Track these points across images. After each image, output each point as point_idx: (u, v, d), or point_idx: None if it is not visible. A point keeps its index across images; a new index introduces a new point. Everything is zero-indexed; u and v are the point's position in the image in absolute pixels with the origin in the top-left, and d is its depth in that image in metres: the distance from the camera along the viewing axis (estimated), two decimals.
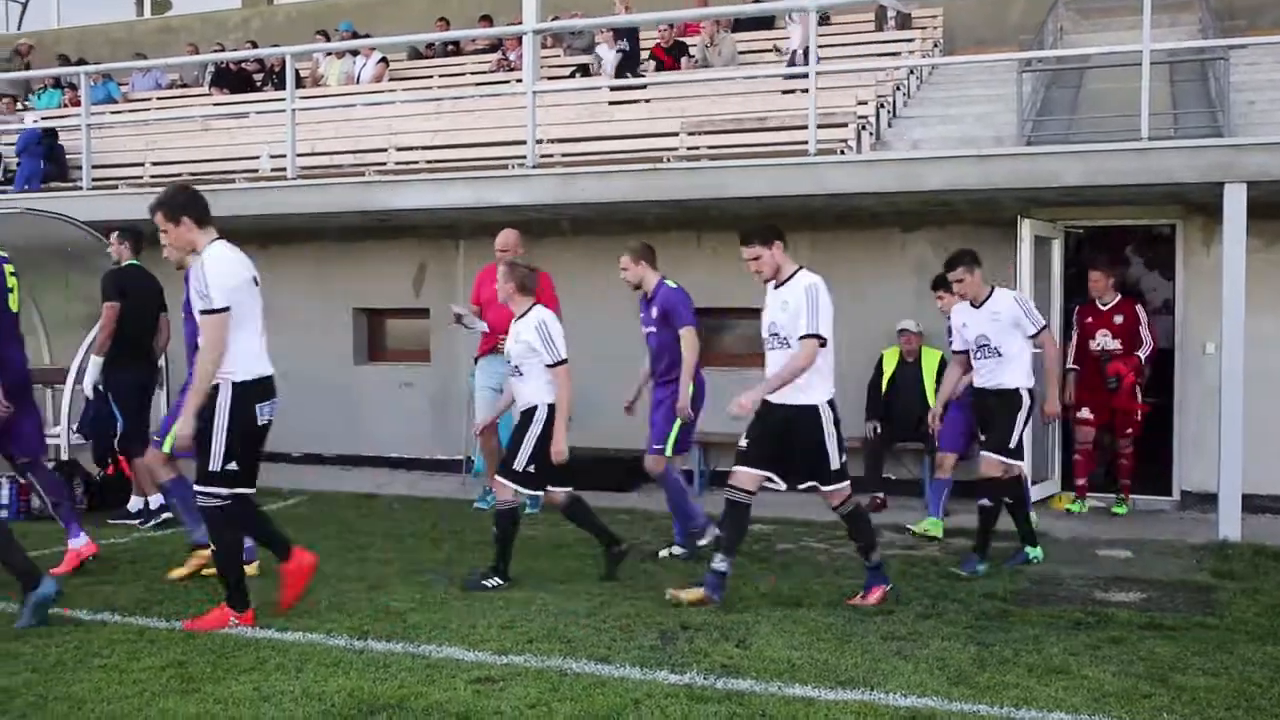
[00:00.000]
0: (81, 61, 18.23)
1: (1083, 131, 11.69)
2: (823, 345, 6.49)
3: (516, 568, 7.47)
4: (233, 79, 17.58)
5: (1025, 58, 11.75)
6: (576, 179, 10.76)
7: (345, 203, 11.49)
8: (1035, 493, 9.64)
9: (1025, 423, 7.68)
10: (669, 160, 11.62)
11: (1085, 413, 9.98)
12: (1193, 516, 9.70)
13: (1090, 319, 10.00)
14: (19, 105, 17.80)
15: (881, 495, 10.14)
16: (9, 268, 7.39)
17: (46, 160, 14.72)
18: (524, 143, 11.13)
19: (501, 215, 10.72)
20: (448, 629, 6.11)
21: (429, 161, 12.99)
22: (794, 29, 14.29)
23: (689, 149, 11.99)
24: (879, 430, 10.11)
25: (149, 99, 18.13)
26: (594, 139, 12.48)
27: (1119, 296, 10.05)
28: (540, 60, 14.34)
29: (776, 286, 6.73)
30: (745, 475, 6.60)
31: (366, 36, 17.18)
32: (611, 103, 13.70)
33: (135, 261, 9.25)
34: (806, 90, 10.47)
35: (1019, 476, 7.83)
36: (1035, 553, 7.86)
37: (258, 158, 13.54)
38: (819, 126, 10.36)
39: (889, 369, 10.35)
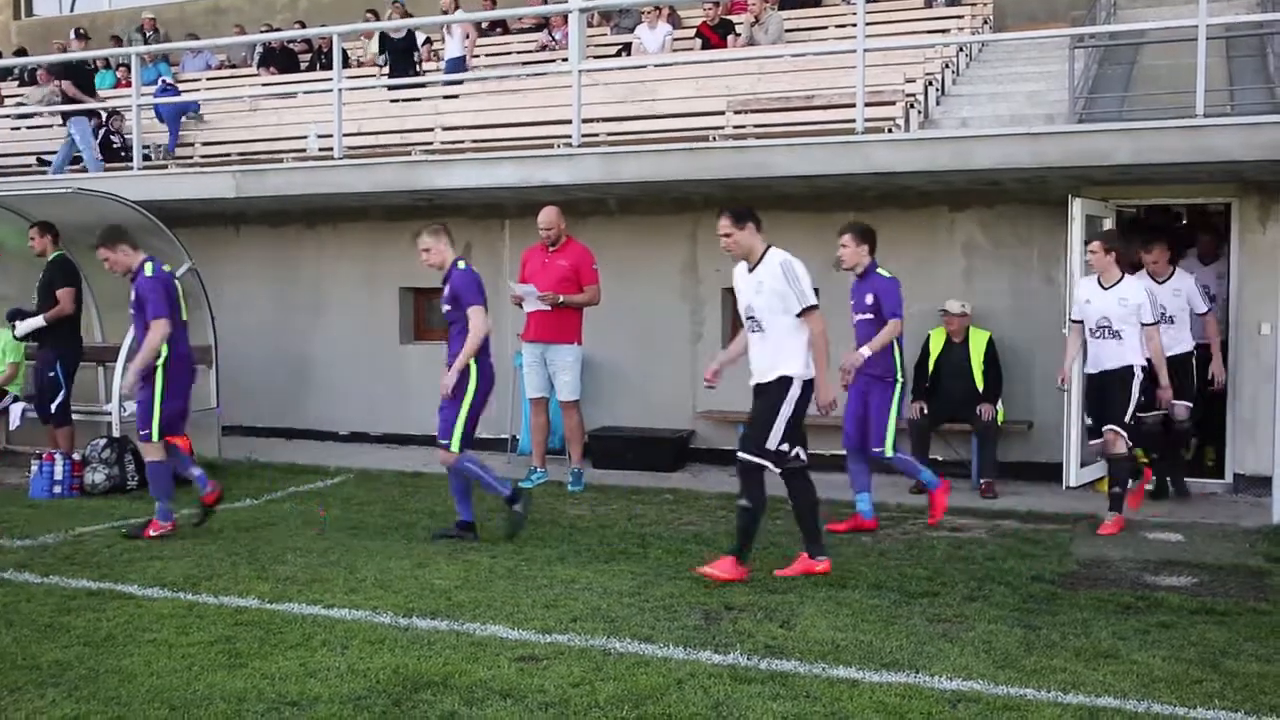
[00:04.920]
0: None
1: (1136, 109, 11.50)
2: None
3: (560, 547, 7.51)
4: (281, 59, 17.69)
5: (1077, 34, 11.56)
6: (622, 158, 10.72)
7: (391, 182, 11.53)
8: (1086, 474, 9.51)
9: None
10: (715, 139, 11.57)
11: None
12: (1246, 500, 9.53)
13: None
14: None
15: None
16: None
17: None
18: (569, 122, 11.13)
19: (547, 195, 10.72)
20: (492, 607, 6.14)
21: (475, 141, 13.01)
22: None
23: (735, 128, 11.93)
24: (925, 411, 10.03)
25: (199, 79, 18.31)
26: (640, 118, 12.44)
27: None
28: (586, 39, 14.30)
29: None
30: None
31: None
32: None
33: (62, 251, 10.50)
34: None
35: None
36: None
37: (305, 138, 13.63)
38: (867, 104, 10.26)
39: (935, 350, 10.25)
